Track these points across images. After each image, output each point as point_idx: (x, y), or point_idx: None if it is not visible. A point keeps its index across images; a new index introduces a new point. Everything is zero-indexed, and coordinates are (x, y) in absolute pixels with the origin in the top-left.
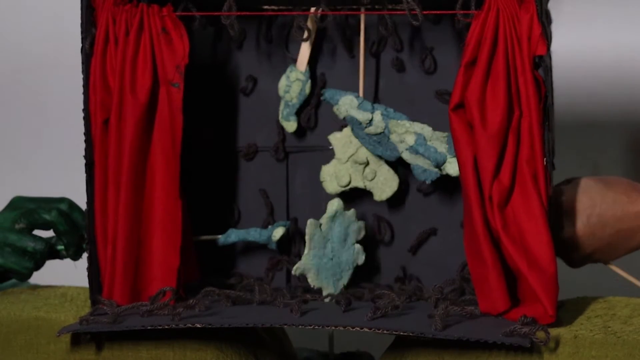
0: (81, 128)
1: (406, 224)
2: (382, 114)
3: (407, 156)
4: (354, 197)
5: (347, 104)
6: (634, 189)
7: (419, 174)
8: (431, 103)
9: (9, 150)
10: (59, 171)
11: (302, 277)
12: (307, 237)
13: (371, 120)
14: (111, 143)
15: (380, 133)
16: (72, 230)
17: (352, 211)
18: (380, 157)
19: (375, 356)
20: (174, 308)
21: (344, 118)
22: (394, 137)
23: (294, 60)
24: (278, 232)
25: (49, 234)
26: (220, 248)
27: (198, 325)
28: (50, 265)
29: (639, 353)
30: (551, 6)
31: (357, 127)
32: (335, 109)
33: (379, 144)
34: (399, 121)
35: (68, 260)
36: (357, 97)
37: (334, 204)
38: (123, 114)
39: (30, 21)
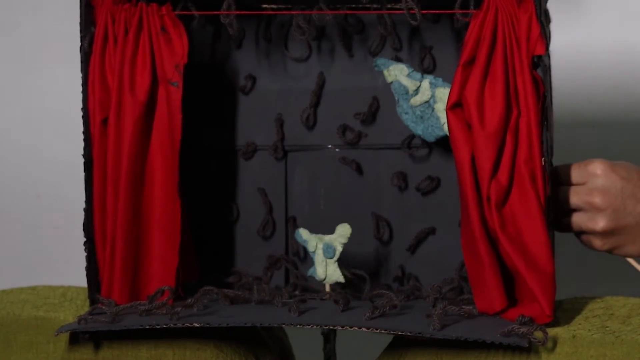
0: (80, 127)
1: (405, 223)
2: (430, 82)
3: (447, 128)
4: (353, 197)
5: (397, 70)
6: None
7: None
8: None
9: (8, 149)
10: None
11: (301, 276)
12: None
13: (418, 88)
14: (110, 142)
15: (425, 102)
16: None
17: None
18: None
19: (374, 355)
20: (172, 307)
21: (391, 83)
22: (439, 107)
23: (293, 59)
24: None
25: None
26: (219, 246)
27: (196, 325)
28: (51, 265)
29: (637, 353)
30: (550, 6)
31: (403, 98)
32: (385, 72)
33: (421, 119)
34: (446, 88)
35: (68, 260)
36: (409, 67)
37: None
38: (122, 113)
39: (29, 19)
